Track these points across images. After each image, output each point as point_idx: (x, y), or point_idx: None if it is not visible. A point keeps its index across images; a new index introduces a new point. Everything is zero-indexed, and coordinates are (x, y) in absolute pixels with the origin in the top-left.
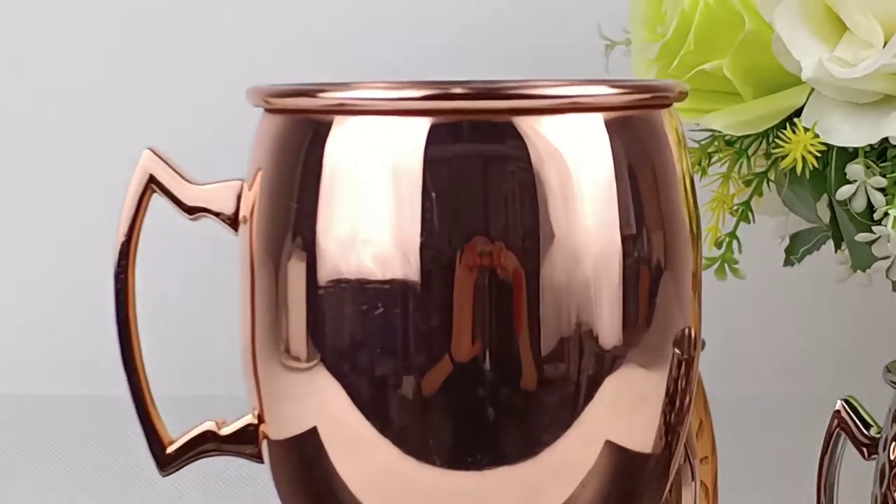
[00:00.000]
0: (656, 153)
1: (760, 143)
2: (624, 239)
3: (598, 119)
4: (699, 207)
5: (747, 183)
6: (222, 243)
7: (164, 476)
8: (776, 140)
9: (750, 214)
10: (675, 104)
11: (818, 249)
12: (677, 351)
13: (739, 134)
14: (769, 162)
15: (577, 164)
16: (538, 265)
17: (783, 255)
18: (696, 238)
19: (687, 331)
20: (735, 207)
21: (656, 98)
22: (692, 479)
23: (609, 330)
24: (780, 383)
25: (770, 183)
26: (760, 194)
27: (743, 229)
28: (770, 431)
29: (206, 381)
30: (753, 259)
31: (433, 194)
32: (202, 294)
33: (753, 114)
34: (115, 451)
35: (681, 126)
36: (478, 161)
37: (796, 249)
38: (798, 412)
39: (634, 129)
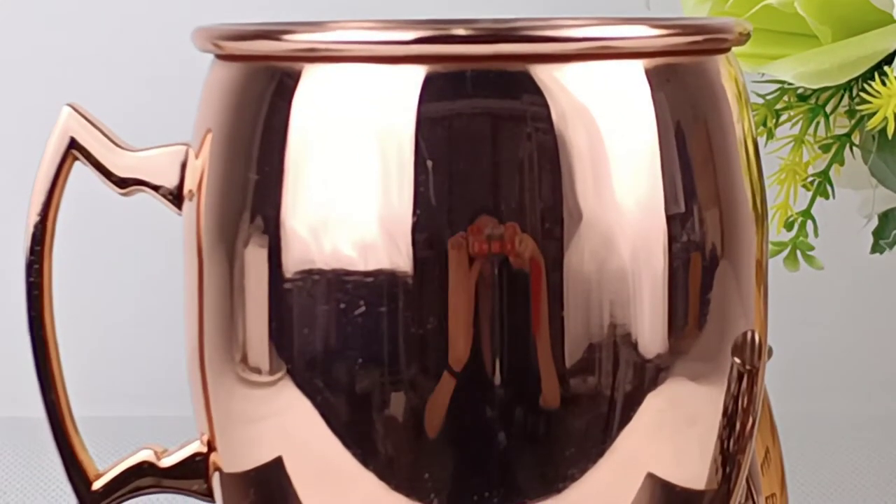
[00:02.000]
0: (711, 110)
1: (842, 98)
2: (670, 219)
3: (636, 67)
4: (764, 179)
5: (825, 148)
6: (162, 224)
7: None
8: (862, 94)
9: (828, 188)
10: (735, 49)
11: None
12: (737, 360)
13: (815, 86)
14: (853, 122)
15: (610, 123)
16: (561, 252)
17: (870, 240)
18: (762, 218)
19: (749, 335)
20: (809, 179)
21: (710, 41)
22: None
23: (651, 334)
24: (866, 403)
25: (854, 148)
26: (842, 163)
27: (819, 207)
28: (853, 462)
29: (141, 400)
30: (833, 245)
31: (429, 162)
32: (136, 289)
33: (833, 61)
34: (29, 486)
35: (741, 76)
36: (485, 120)
37: (887, 232)
38: (889, 438)
39: (683, 80)
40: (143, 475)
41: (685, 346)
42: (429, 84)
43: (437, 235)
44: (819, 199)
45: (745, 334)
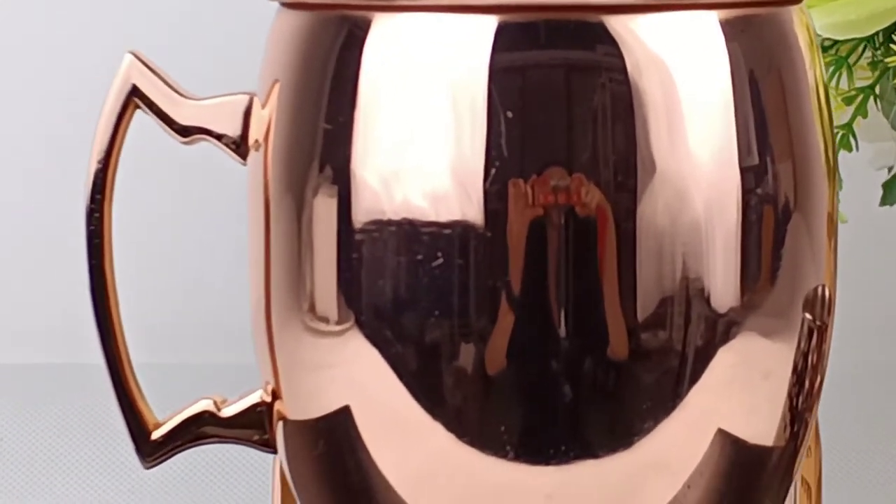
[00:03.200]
0: (785, 60)
1: (864, 50)
2: (744, 171)
3: (711, 18)
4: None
5: (848, 101)
6: (227, 174)
7: (148, 468)
8: (887, 45)
9: (852, 140)
10: None
11: None
12: (808, 316)
13: (842, 37)
14: (876, 74)
15: (685, 75)
16: (634, 204)
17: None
18: (833, 170)
19: (820, 290)
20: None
21: None
22: None
23: (723, 288)
24: (891, 352)
25: (877, 100)
26: (865, 115)
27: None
28: (886, 413)
29: (203, 348)
30: (850, 198)
31: (502, 113)
32: (200, 238)
33: (860, 12)
34: (88, 431)
35: (812, 25)
36: (559, 71)
37: None
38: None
39: (758, 31)
40: (203, 425)
41: (757, 300)
42: (501, 34)
43: (508, 187)
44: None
45: (815, 289)
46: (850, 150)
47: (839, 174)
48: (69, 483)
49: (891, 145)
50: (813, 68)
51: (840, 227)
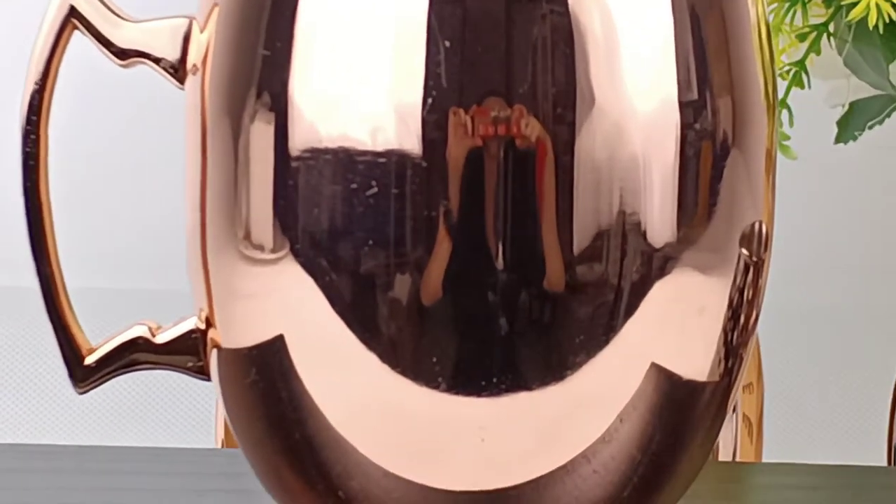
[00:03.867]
0: None
1: None
2: (683, 106)
3: None
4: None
5: (801, 37)
6: (163, 97)
7: (81, 393)
8: None
9: (804, 77)
10: None
11: (882, 123)
12: (745, 252)
13: None
14: (830, 11)
15: (626, 8)
16: (572, 137)
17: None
18: (773, 106)
19: (757, 226)
20: (785, 68)
21: None
22: (732, 411)
23: (660, 222)
24: (839, 293)
25: (830, 38)
26: (818, 52)
27: (793, 97)
28: (831, 353)
29: (137, 273)
30: (804, 135)
31: (441, 42)
32: (134, 162)
33: None
34: (21, 354)
35: None
36: (499, 1)
37: (858, 122)
38: (868, 328)
39: None
40: (137, 350)
41: (694, 235)
42: None
43: (446, 117)
44: (794, 90)
45: (752, 225)
46: (802, 87)
47: (791, 112)
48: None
49: (843, 83)
50: (755, 5)
51: (793, 164)
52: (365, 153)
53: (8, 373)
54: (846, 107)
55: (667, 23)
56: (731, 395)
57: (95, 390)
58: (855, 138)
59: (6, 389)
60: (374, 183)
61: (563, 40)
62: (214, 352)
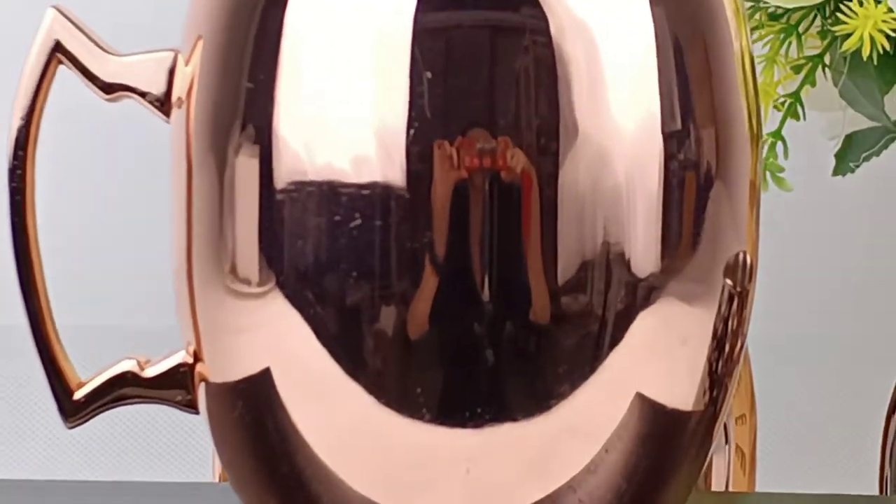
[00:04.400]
0: (709, 26)
1: (815, 19)
2: (666, 137)
3: None
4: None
5: (797, 69)
6: (149, 132)
7: (70, 427)
8: (837, 15)
9: (799, 109)
10: None
11: (878, 155)
12: (728, 282)
13: (790, 6)
14: (825, 43)
15: (609, 39)
16: (556, 167)
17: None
18: (756, 137)
19: (741, 256)
20: (780, 100)
21: None
22: (726, 443)
23: (644, 253)
24: (833, 323)
25: (825, 69)
26: (813, 83)
27: (789, 128)
28: (823, 384)
29: (126, 309)
30: (800, 166)
31: (425, 74)
32: (122, 198)
33: None
34: (7, 393)
35: None
36: (483, 32)
37: (854, 154)
38: (856, 359)
39: None
40: (125, 385)
41: (678, 265)
42: None
43: (430, 149)
44: (789, 121)
45: (736, 255)
46: (797, 118)
47: (786, 143)
48: None
49: (839, 115)
50: (739, 35)
51: (789, 196)
52: (349, 185)
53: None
54: (842, 139)
55: (650, 52)
56: (717, 425)
57: (94, 424)
58: (852, 170)
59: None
60: (357, 215)
61: (546, 71)
62: (202, 385)
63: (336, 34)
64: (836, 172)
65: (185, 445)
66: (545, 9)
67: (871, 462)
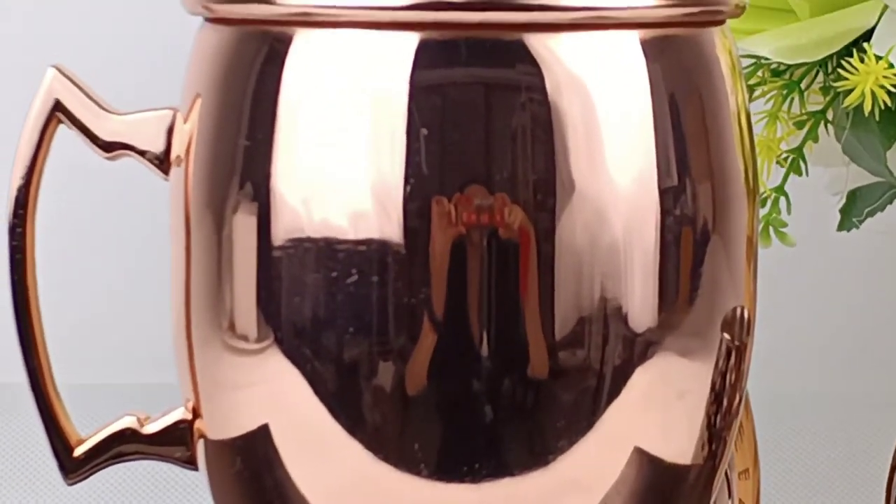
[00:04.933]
0: (705, 82)
1: (817, 75)
2: (662, 192)
3: (632, 38)
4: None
5: (799, 125)
6: (148, 189)
7: (70, 484)
8: (838, 70)
9: (802, 165)
10: (729, 21)
11: (882, 210)
12: (727, 336)
13: (791, 62)
14: (828, 98)
15: (605, 95)
16: (553, 223)
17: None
18: (753, 193)
19: (739, 311)
20: (783, 155)
21: (706, 13)
22: (728, 497)
23: (641, 308)
24: (837, 379)
25: (828, 125)
26: (816, 139)
27: (792, 184)
28: (825, 439)
29: (125, 367)
30: (803, 222)
31: (423, 131)
32: (121, 255)
33: (810, 36)
34: (8, 450)
35: (735, 49)
36: (478, 90)
37: (858, 209)
38: (860, 415)
39: (678, 52)
40: (125, 441)
41: (675, 321)
42: (422, 51)
43: (427, 205)
44: (792, 177)
45: (734, 310)
46: (799, 174)
47: (788, 199)
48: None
49: (842, 170)
50: (735, 92)
51: (792, 251)
52: (346, 242)
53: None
54: (845, 195)
55: (646, 108)
56: (716, 479)
57: (99, 481)
58: (857, 226)
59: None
60: (354, 271)
61: (542, 128)
62: (201, 442)
63: (333, 92)
64: (840, 228)
65: (190, 501)
66: (541, 66)
67: None
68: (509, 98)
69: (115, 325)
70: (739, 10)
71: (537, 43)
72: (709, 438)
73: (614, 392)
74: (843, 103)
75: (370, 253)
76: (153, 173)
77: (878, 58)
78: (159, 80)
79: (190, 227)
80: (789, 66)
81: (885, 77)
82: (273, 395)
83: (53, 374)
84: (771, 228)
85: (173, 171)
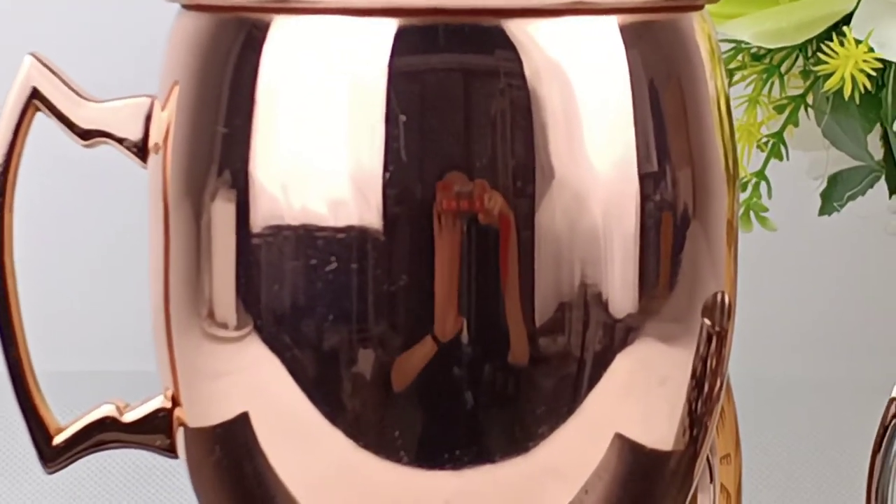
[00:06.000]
0: (685, 68)
1: (797, 59)
2: (642, 178)
3: (611, 23)
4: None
5: (779, 109)
6: (126, 177)
7: (50, 473)
8: (818, 55)
9: (783, 149)
10: (707, 6)
11: (864, 194)
12: (707, 322)
13: (771, 46)
14: (808, 83)
15: (584, 81)
16: (532, 210)
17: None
18: (733, 178)
19: (719, 296)
20: (763, 140)
21: None
22: (710, 482)
23: (622, 294)
24: (819, 364)
25: (808, 109)
26: (796, 124)
27: (772, 169)
28: (807, 423)
29: (104, 354)
30: (784, 206)
31: (400, 117)
32: (99, 243)
33: (790, 20)
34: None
35: (714, 33)
36: (457, 76)
37: (839, 194)
38: (842, 399)
39: (657, 37)
40: (105, 430)
41: (655, 306)
42: (401, 38)
43: (407, 192)
44: (772, 161)
45: (714, 296)
46: (780, 158)
47: (769, 183)
48: None
49: (822, 154)
50: (714, 77)
51: (773, 236)
52: (325, 229)
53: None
54: (826, 179)
55: (625, 94)
56: (698, 464)
57: (86, 466)
58: (838, 210)
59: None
60: (334, 259)
61: (522, 114)
62: (181, 430)
63: (311, 78)
64: (821, 212)
65: (171, 488)
66: (520, 51)
67: (857, 500)
68: (488, 84)
69: (94, 313)
70: None
71: (516, 29)
72: (690, 424)
73: (595, 378)
74: (823, 87)
75: (349, 240)
76: (131, 161)
77: (858, 42)
78: (136, 68)
79: (168, 214)
80: (769, 51)
81: (864, 61)
82: (253, 382)
83: (32, 363)
84: (752, 213)
85: (151, 158)
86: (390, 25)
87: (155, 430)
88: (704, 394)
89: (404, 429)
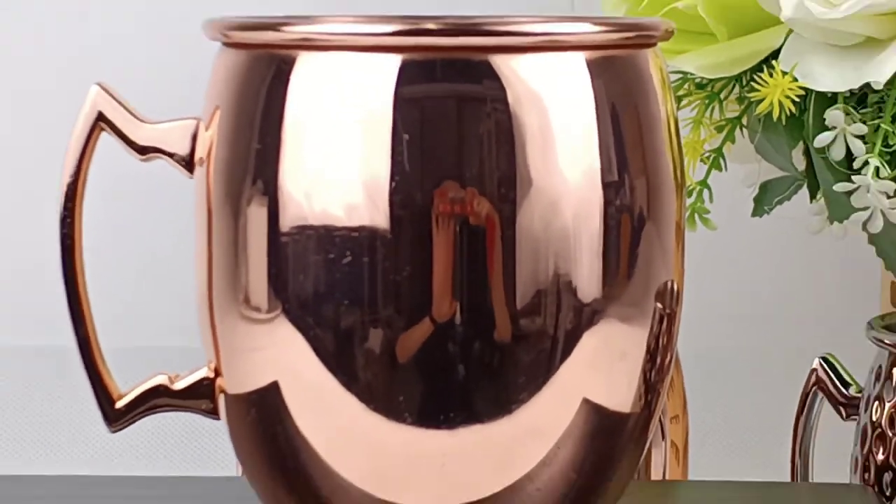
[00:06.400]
0: (640, 95)
1: (734, 87)
2: (605, 186)
3: (579, 58)
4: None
5: (719, 129)
6: (176, 186)
7: (113, 432)
8: (752, 83)
9: (722, 162)
10: (660, 43)
11: (789, 199)
12: (659, 305)
13: (712, 76)
14: (743, 107)
15: (556, 105)
16: (514, 213)
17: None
18: (681, 186)
19: (669, 284)
20: (706, 154)
21: (641, 37)
22: (662, 439)
23: (588, 282)
24: (754, 338)
25: (743, 129)
26: (733, 141)
27: (713, 178)
28: (743, 389)
29: (158, 333)
30: (723, 209)
31: (404, 136)
32: (154, 240)
33: (728, 55)
34: (62, 404)
35: (665, 66)
36: (451, 102)
37: (769, 199)
38: (773, 369)
39: (618, 70)
40: (158, 396)
41: (616, 292)
42: (404, 70)
43: (410, 198)
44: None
45: (665, 283)
46: (720, 169)
47: (711, 190)
48: (53, 445)
49: (755, 166)
50: (665, 102)
51: (713, 234)
52: (342, 228)
53: (54, 416)
54: (758, 187)
55: (591, 117)
56: (651, 424)
57: (129, 432)
58: (768, 212)
59: (55, 430)
60: (348, 253)
61: (505, 133)
62: (222, 396)
63: (329, 104)
64: (754, 214)
65: (213, 446)
66: (503, 82)
67: (784, 454)
68: (477, 109)
69: (150, 299)
70: (668, 34)
71: (501, 63)
72: (645, 391)
73: (566, 353)
74: (755, 111)
75: (362, 238)
76: (180, 173)
77: (784, 73)
78: (185, 95)
79: (211, 217)
80: (710, 80)
81: (790, 89)
82: (281, 357)
83: (98, 340)
84: (696, 215)
85: (197, 170)
86: (395, 60)
87: (200, 396)
88: (657, 365)
89: (407, 395)
